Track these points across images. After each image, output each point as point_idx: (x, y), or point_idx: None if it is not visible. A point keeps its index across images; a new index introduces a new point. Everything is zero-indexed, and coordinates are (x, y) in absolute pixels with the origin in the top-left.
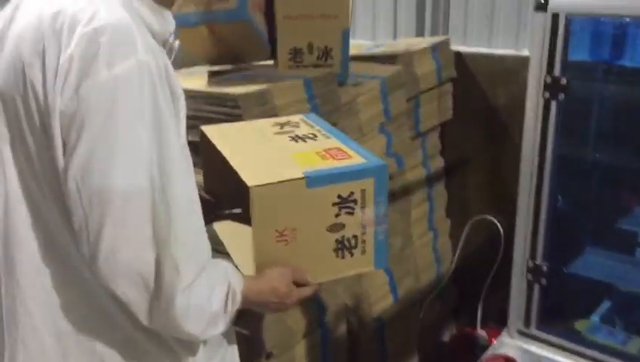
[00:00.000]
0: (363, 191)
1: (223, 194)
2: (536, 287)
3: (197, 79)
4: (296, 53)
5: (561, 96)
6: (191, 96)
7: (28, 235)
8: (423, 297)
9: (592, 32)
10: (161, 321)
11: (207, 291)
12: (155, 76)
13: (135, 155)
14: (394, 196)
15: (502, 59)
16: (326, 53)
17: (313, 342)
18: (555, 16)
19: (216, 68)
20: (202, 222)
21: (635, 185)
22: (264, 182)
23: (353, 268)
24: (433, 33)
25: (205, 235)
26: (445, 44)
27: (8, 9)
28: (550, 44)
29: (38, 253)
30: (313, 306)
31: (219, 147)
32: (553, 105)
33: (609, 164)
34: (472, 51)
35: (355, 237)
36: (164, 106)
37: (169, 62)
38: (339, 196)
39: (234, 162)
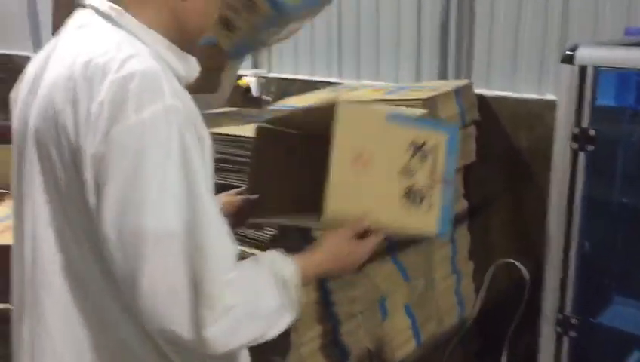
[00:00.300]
0: (436, 145)
1: (269, 200)
2: (566, 339)
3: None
4: None
5: (590, 147)
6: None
7: (56, 280)
8: (445, 341)
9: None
10: (216, 349)
11: (251, 297)
12: (181, 119)
13: (165, 195)
14: (417, 239)
15: (525, 102)
16: None
17: None
18: (583, 69)
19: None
20: (235, 252)
21: None
22: (351, 104)
23: (416, 224)
24: (456, 76)
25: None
26: (468, 87)
27: (42, 54)
28: (578, 96)
29: (66, 294)
30: (336, 351)
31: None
32: (581, 155)
33: (637, 209)
34: (495, 95)
35: (423, 190)
36: (192, 147)
37: (195, 106)
38: (413, 142)
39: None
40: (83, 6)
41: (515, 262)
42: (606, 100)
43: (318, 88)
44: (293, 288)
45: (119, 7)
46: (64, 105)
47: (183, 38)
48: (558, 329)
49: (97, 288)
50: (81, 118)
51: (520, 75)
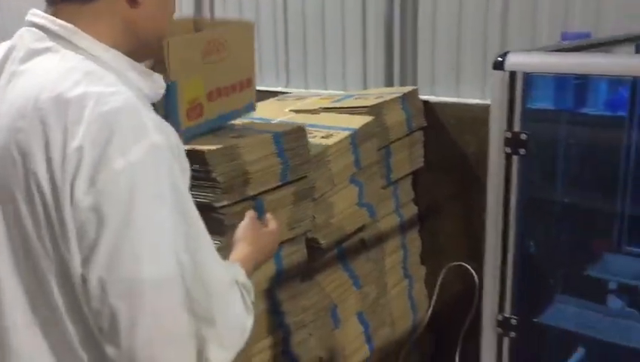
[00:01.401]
0: None
1: None
2: (506, 340)
3: None
4: None
5: (522, 151)
6: None
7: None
8: (399, 346)
9: (556, 83)
10: None
11: (239, 321)
12: (168, 155)
13: (160, 242)
14: (367, 245)
15: (470, 107)
16: None
17: None
18: (513, 74)
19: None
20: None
21: (604, 231)
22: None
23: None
24: (402, 83)
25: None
26: (414, 93)
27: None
28: (509, 101)
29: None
30: (287, 361)
31: None
32: (514, 159)
33: (576, 210)
34: (440, 100)
35: None
36: (180, 183)
37: (175, 134)
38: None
39: None
40: (29, 23)
41: (466, 265)
42: (541, 104)
43: (264, 98)
44: (249, 288)
45: (71, 25)
46: (32, 149)
47: (141, 51)
48: (499, 330)
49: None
50: (55, 164)
51: (464, 80)
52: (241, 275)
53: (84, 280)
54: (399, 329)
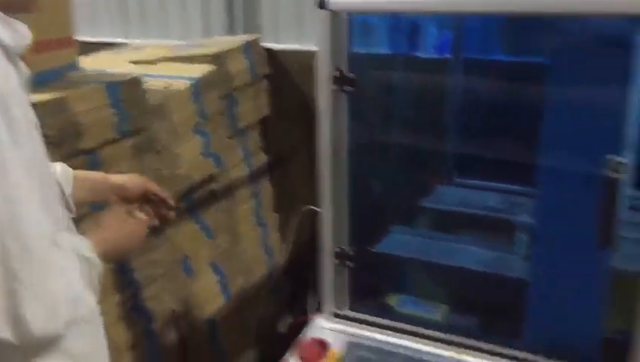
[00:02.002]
0: None
1: None
2: (345, 270)
3: None
4: None
5: (349, 88)
6: None
7: None
8: (256, 292)
9: (388, 27)
10: (33, 335)
11: (64, 279)
12: None
13: None
14: (217, 196)
15: (312, 54)
16: None
17: (140, 354)
18: (336, 14)
19: None
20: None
21: (436, 166)
22: None
23: None
24: (245, 31)
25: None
26: (256, 41)
27: None
28: (334, 40)
29: None
30: (138, 316)
31: None
32: (342, 97)
33: (410, 149)
34: (283, 48)
35: None
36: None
37: (17, 81)
38: None
39: None
40: None
41: (316, 208)
42: (375, 48)
43: (101, 50)
44: (96, 267)
45: None
46: None
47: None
48: (337, 261)
49: None
50: None
51: (307, 27)
52: (87, 250)
53: None
54: (255, 276)
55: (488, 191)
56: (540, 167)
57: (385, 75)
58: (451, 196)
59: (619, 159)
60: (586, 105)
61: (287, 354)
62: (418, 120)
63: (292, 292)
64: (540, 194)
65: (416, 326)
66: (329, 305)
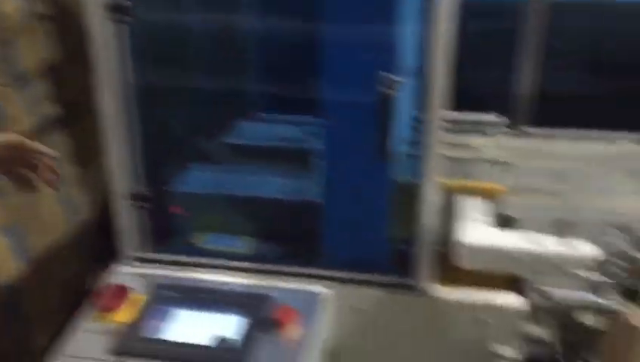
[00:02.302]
0: None
1: None
2: (144, 213)
3: None
4: None
5: (127, 18)
6: None
7: None
8: (59, 252)
9: None
10: None
11: None
12: None
13: None
14: None
15: None
16: None
17: None
18: None
19: None
20: None
21: (233, 103)
22: None
23: None
24: None
25: None
26: None
27: None
28: None
29: None
30: None
31: None
32: (121, 28)
33: (203, 87)
34: None
35: None
36: None
37: None
38: None
39: None
40: None
41: None
42: None
43: None
44: None
45: None
46: None
47: None
48: (132, 203)
49: None
50: None
51: None
52: None
53: None
54: (57, 234)
55: (286, 125)
56: (325, 98)
57: (171, 8)
58: (251, 131)
59: (392, 77)
60: (359, 37)
61: (84, 306)
62: (211, 58)
63: (104, 246)
64: (328, 123)
65: (223, 260)
66: (128, 249)
